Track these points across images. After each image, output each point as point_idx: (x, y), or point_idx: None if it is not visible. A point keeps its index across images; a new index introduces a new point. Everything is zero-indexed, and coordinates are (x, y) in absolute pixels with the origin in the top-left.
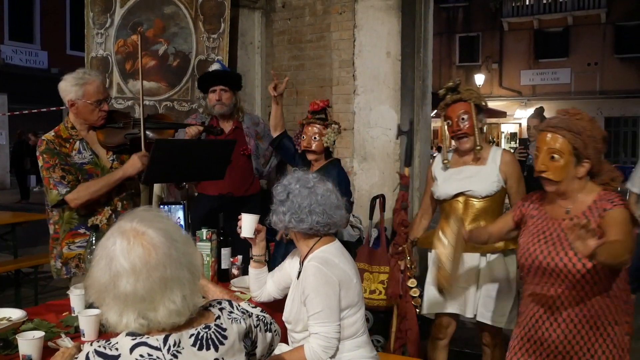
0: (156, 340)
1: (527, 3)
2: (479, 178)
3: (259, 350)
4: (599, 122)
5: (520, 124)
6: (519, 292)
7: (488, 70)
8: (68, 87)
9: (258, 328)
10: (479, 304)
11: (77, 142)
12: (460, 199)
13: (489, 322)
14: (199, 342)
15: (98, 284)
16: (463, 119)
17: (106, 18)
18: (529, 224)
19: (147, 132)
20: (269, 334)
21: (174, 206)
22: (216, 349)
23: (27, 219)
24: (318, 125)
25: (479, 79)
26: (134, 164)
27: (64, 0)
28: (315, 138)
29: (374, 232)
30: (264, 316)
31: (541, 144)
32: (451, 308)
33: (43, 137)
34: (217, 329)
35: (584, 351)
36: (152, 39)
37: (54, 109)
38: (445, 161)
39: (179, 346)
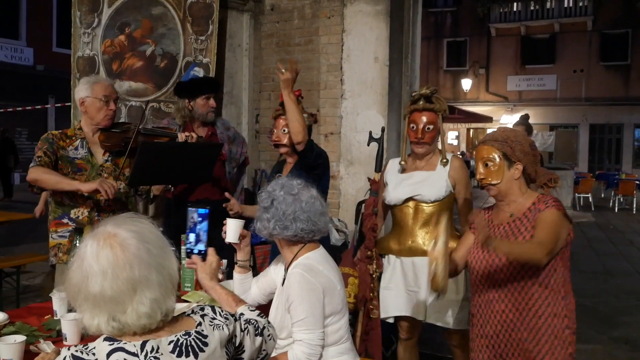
0: (134, 346)
1: (515, 9)
2: (428, 183)
3: (246, 355)
4: (584, 128)
5: None
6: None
7: (475, 75)
8: (80, 86)
9: (245, 331)
10: (429, 306)
11: (78, 140)
12: (411, 204)
13: (437, 324)
14: (178, 348)
15: (71, 285)
16: (429, 128)
17: (93, 18)
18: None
19: (141, 139)
20: (259, 338)
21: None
22: (196, 356)
23: (9, 218)
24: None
25: (466, 83)
26: (91, 183)
27: None
28: (284, 131)
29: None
30: (256, 320)
31: (477, 159)
32: (405, 311)
33: (49, 131)
34: (197, 335)
35: (529, 339)
36: (139, 40)
37: (39, 107)
38: (403, 162)
39: (157, 352)
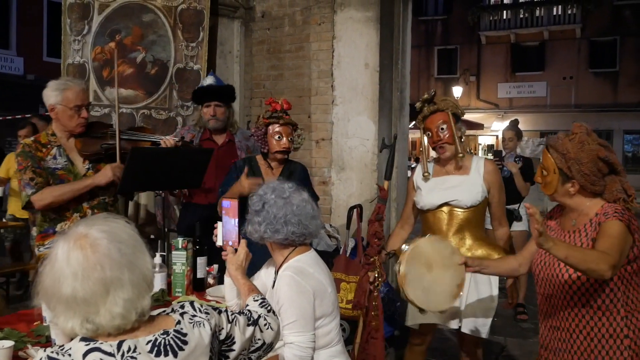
0: (110, 346)
1: (504, 17)
2: (463, 188)
3: (237, 346)
4: None
5: (497, 136)
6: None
7: (466, 82)
8: (49, 92)
9: (233, 322)
10: (464, 315)
11: (55, 149)
12: (445, 209)
13: (473, 334)
14: (156, 348)
15: (44, 288)
16: (442, 128)
17: (84, 25)
18: None
19: (123, 144)
20: (250, 328)
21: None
22: (175, 355)
23: None
24: (291, 126)
25: (457, 91)
26: (106, 173)
27: (41, 6)
28: (291, 139)
29: (351, 242)
30: (250, 311)
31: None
32: (436, 319)
33: (22, 141)
34: (176, 334)
35: None
36: (130, 47)
37: (29, 115)
38: (426, 174)
39: (134, 352)
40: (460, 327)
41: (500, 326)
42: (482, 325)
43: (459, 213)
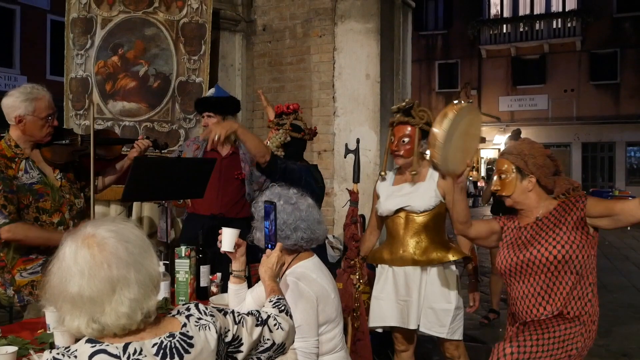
0: (116, 348)
1: (505, 31)
2: (417, 194)
3: (245, 347)
4: (576, 147)
5: (499, 149)
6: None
7: (467, 96)
8: (17, 102)
9: (241, 324)
10: (421, 316)
11: (23, 162)
12: (401, 214)
13: (430, 333)
14: (162, 351)
15: (51, 287)
16: (404, 141)
17: (87, 39)
18: (506, 234)
19: (101, 151)
20: (258, 329)
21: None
22: (181, 358)
23: None
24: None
25: None
26: None
27: (45, 25)
28: (268, 143)
29: None
30: (258, 312)
31: (495, 171)
32: (393, 321)
33: None
34: (182, 337)
35: (561, 328)
36: (132, 60)
37: None
38: (383, 173)
39: (140, 354)
40: (418, 326)
41: (489, 332)
42: (440, 326)
43: (415, 218)
